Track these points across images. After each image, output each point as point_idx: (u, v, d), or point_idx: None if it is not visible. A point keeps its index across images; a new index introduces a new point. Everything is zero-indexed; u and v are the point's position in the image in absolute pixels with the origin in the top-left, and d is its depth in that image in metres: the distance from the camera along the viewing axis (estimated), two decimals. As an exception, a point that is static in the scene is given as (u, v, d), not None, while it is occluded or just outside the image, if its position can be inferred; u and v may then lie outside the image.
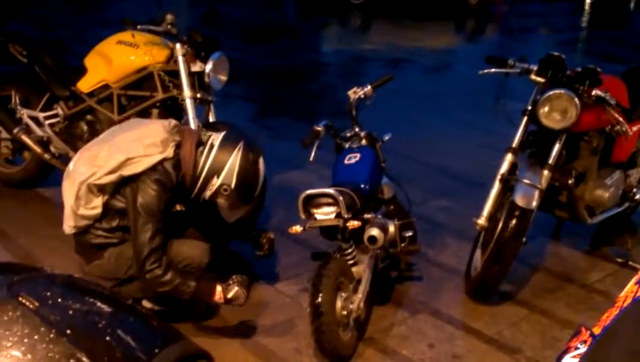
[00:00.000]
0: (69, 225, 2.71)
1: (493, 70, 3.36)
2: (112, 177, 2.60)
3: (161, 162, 2.62)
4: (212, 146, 2.73)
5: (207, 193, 2.75)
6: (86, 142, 3.84)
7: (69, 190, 2.67)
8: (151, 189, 2.58)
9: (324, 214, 2.84)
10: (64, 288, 1.10)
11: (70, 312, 1.03)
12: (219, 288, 2.69)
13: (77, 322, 1.02)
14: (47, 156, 3.93)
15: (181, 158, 2.69)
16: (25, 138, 3.93)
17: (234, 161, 2.72)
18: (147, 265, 2.58)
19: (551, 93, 3.07)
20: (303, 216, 2.85)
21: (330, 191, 2.82)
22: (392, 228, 3.07)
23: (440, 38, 12.18)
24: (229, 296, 2.69)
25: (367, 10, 13.82)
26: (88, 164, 2.65)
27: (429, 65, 9.27)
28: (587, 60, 3.99)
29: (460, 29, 13.42)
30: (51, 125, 3.93)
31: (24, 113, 3.99)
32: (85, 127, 3.83)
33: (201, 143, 2.75)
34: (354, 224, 2.80)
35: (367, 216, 2.95)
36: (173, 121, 2.82)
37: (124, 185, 2.63)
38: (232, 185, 2.73)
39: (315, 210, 2.85)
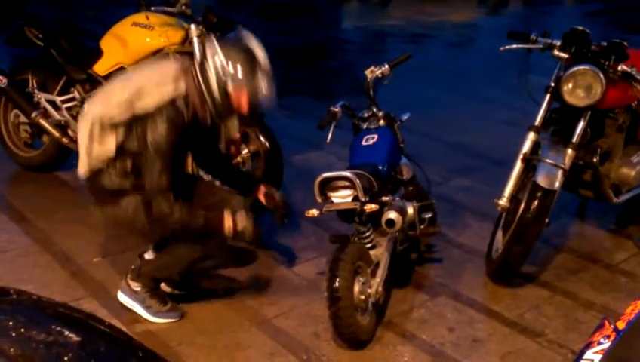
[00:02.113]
0: (83, 168, 2.71)
1: (515, 46, 3.26)
2: (124, 113, 2.58)
3: (172, 100, 2.58)
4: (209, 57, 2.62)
5: (216, 94, 2.59)
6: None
7: (83, 130, 2.67)
8: (161, 127, 2.54)
9: (341, 197, 2.80)
10: (30, 315, 1.04)
11: (33, 345, 0.96)
12: (228, 217, 2.71)
13: (39, 355, 0.95)
14: (65, 140, 3.94)
15: (188, 89, 2.61)
16: (43, 122, 3.93)
17: (226, 54, 2.59)
18: (154, 205, 2.59)
19: (575, 69, 2.97)
20: (319, 200, 2.81)
21: (347, 174, 2.77)
22: (410, 211, 3.02)
23: (461, 12, 11.95)
24: (239, 226, 2.72)
25: (388, -16, 13.60)
26: (102, 102, 2.65)
27: (450, 41, 9.11)
28: (616, 32, 3.86)
29: (482, 2, 13.15)
30: (69, 109, 3.93)
31: (42, 97, 3.99)
32: (102, 110, 3.81)
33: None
34: (371, 207, 2.76)
35: (385, 198, 2.90)
36: (187, 62, 2.76)
37: (136, 123, 2.59)
38: (231, 70, 2.57)
39: (331, 193, 2.81)
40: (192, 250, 2.80)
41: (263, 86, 2.62)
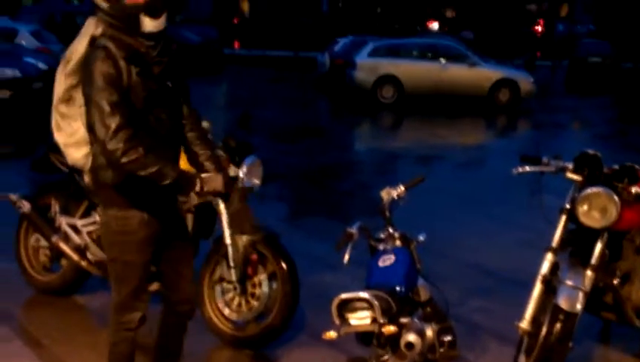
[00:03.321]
0: (86, 177, 2.75)
1: (528, 168, 3.33)
2: (63, 83, 2.65)
3: (92, 40, 2.56)
4: None
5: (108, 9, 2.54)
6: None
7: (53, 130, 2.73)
8: (92, 67, 2.48)
9: (359, 319, 2.77)
10: None
11: None
12: (198, 180, 2.61)
13: None
14: (84, 263, 3.97)
15: (105, 28, 2.58)
16: (63, 246, 3.99)
17: None
18: (117, 144, 2.42)
19: (589, 191, 3.02)
20: (337, 321, 2.78)
21: (365, 295, 2.76)
22: (429, 333, 2.97)
23: (471, 135, 12.30)
24: (206, 187, 2.62)
25: (397, 109, 14.13)
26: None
27: (461, 162, 9.31)
28: (622, 155, 3.96)
29: (490, 126, 13.55)
30: (89, 232, 3.98)
31: (63, 221, 4.06)
32: (121, 233, 3.87)
33: None
34: (390, 329, 2.72)
35: (403, 320, 2.86)
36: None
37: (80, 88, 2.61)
38: None
39: (349, 315, 2.78)
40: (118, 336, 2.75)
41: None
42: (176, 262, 2.85)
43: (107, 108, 2.45)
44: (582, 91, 18.72)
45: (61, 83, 2.70)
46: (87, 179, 2.79)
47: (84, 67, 2.56)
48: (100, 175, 2.64)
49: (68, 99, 2.70)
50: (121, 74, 2.51)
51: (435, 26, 34.12)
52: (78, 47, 2.64)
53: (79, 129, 2.69)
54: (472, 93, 14.46)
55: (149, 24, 2.57)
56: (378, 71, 14.43)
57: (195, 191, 2.65)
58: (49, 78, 14.20)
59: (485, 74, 14.54)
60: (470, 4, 35.26)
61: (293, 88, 17.76)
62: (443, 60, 14.69)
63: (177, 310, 2.88)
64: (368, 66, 14.54)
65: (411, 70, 14.51)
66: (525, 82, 14.63)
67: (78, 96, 2.66)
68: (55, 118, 2.73)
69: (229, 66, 20.56)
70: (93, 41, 2.58)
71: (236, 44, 27.97)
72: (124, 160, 2.46)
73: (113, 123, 2.44)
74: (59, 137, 2.74)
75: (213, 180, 2.66)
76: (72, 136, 2.70)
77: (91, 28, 2.64)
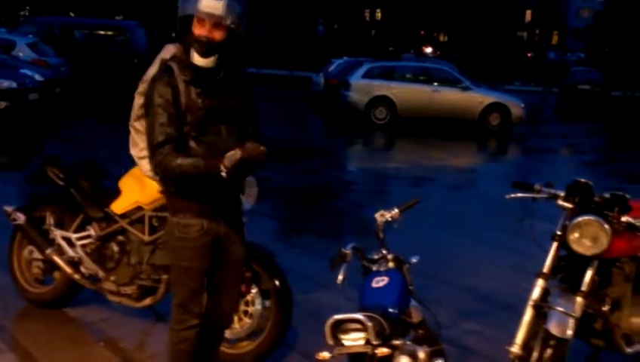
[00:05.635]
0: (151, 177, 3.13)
1: (520, 195, 3.38)
2: (137, 99, 2.91)
3: (163, 62, 2.80)
4: None
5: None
6: (116, 263, 3.93)
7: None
8: (155, 88, 2.72)
9: (353, 340, 2.78)
10: None
11: None
12: (220, 159, 2.79)
13: None
14: (77, 276, 3.97)
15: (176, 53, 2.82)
16: (56, 258, 3.99)
17: None
18: (157, 157, 2.71)
19: (580, 219, 3.07)
20: (330, 342, 2.80)
21: (359, 316, 2.78)
22: (421, 355, 2.98)
23: (462, 158, 12.40)
24: (228, 164, 2.79)
25: (390, 129, 14.24)
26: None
27: (453, 184, 9.38)
28: (611, 182, 4.02)
29: (481, 149, 13.67)
30: (83, 246, 3.99)
31: (57, 234, 4.07)
32: (116, 248, 3.88)
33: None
34: (383, 351, 2.74)
35: (396, 342, 2.88)
36: None
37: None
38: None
39: (343, 336, 2.80)
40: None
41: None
42: (226, 273, 3.03)
43: (158, 126, 2.71)
44: (572, 118, 18.93)
45: (136, 101, 2.96)
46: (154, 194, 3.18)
47: (148, 87, 2.80)
48: (164, 184, 2.91)
49: (141, 117, 2.96)
50: (178, 95, 2.73)
51: (428, 49, 34.55)
52: (152, 70, 2.88)
53: None
54: (464, 117, 14.63)
55: (197, 59, 2.77)
56: (372, 92, 14.57)
57: (223, 170, 2.79)
58: (45, 90, 14.30)
59: (477, 98, 14.73)
60: (462, 29, 35.72)
61: (288, 107, 17.86)
62: (435, 83, 14.86)
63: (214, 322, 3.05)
64: (362, 87, 14.68)
65: (404, 92, 14.67)
66: (516, 107, 14.80)
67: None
68: (131, 134, 3.04)
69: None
70: (163, 64, 2.82)
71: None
72: (162, 168, 2.73)
73: (159, 138, 2.70)
74: (134, 151, 3.04)
75: (231, 155, 2.81)
76: (144, 150, 2.96)
77: (164, 53, 2.91)
